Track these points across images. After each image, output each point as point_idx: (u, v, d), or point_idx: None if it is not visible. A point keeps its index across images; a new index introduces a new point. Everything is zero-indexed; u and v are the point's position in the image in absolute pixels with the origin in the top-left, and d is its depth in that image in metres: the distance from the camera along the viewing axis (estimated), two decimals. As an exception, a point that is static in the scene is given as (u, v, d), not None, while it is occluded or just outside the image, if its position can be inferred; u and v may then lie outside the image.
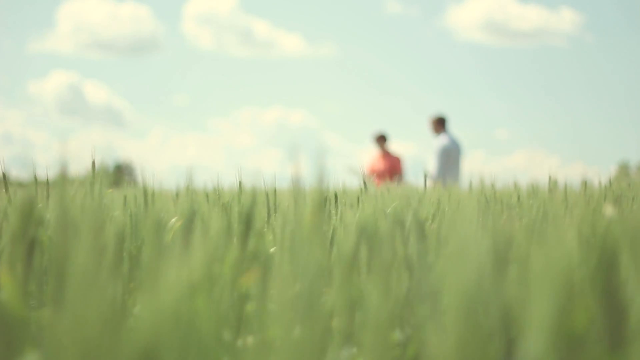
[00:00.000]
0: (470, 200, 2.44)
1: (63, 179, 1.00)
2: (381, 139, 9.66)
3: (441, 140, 8.93)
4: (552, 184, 2.96)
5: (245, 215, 1.02)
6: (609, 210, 1.23)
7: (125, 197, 1.95)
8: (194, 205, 0.96)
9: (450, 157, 8.92)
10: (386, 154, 9.64)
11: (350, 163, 9.97)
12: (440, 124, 9.06)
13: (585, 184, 3.14)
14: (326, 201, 1.58)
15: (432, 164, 8.97)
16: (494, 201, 2.20)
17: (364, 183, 1.80)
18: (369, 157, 9.90)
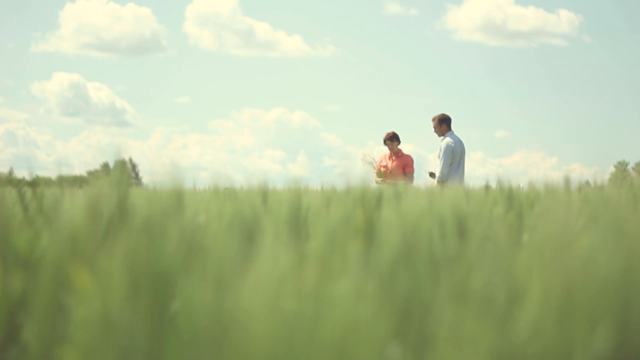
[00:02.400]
0: (489, 199, 2.44)
1: (125, 181, 1.01)
2: (394, 139, 9.63)
3: (447, 140, 8.93)
4: (566, 183, 2.98)
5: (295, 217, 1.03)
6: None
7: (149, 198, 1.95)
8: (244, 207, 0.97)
9: (455, 157, 8.92)
10: (399, 153, 9.63)
11: (366, 153, 9.82)
12: (445, 124, 9.05)
13: (602, 185, 3.15)
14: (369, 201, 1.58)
15: (438, 164, 8.97)
16: (517, 200, 2.20)
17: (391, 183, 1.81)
18: (378, 156, 9.88)
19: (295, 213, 1.11)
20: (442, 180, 8.84)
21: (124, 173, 1.29)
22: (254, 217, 1.08)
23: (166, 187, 1.52)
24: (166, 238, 0.74)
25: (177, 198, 1.64)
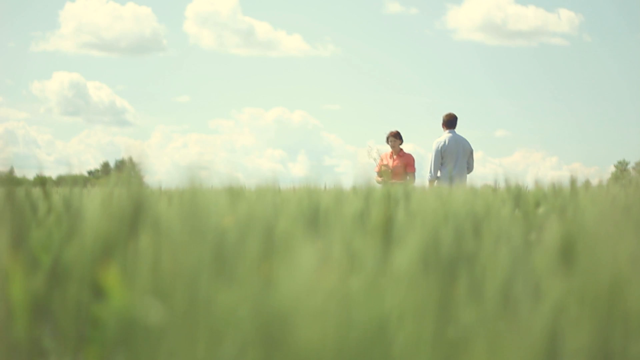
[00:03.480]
0: (497, 199, 2.45)
1: (139, 183, 1.01)
2: (397, 137, 9.62)
3: (437, 140, 8.97)
4: (572, 182, 2.99)
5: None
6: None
7: (165, 197, 1.95)
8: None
9: (449, 156, 8.89)
10: (400, 152, 9.63)
11: (370, 146, 9.78)
12: (445, 122, 9.07)
13: (607, 185, 3.16)
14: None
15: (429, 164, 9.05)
16: (524, 199, 2.21)
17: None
18: (380, 155, 9.88)
19: (313, 212, 1.12)
20: (432, 179, 8.85)
21: (136, 172, 1.30)
22: (272, 217, 1.09)
23: (183, 187, 1.52)
24: (195, 238, 0.75)
25: (195, 198, 1.64)
